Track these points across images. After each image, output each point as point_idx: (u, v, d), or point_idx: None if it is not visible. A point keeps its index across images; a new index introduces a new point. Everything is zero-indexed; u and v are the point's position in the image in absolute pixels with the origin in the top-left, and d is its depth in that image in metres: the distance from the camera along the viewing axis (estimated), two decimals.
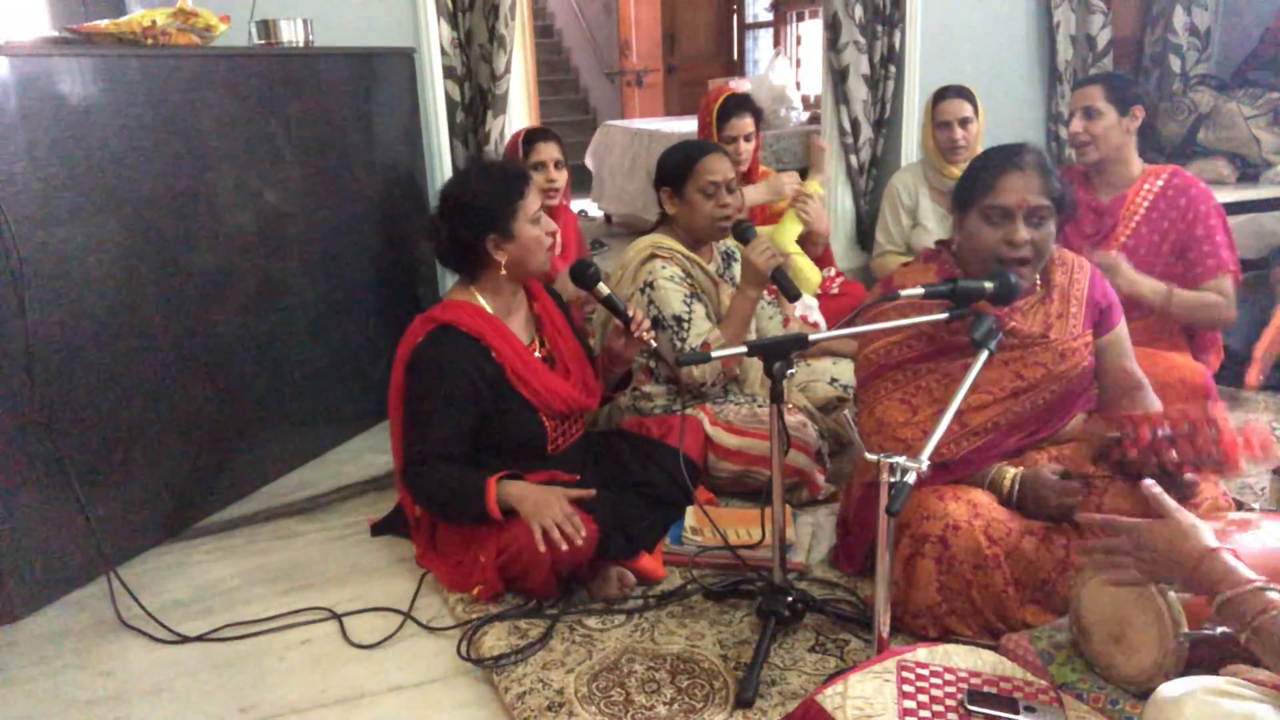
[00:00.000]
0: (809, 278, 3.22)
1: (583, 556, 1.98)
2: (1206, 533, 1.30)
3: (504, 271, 2.11)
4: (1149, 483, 1.43)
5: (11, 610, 2.10)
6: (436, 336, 2.07)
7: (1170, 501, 1.38)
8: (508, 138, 3.28)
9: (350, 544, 2.41)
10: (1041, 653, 1.61)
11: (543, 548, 1.89)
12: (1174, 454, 1.70)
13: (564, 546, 1.89)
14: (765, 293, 2.70)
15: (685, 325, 2.45)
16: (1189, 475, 1.76)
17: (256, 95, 2.60)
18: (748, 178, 3.28)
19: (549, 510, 1.92)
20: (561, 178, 3.08)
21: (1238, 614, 1.19)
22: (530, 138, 3.06)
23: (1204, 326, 2.66)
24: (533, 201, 2.10)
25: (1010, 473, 1.88)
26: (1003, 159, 1.87)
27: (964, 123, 3.14)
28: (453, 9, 3.31)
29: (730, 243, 2.70)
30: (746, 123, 3.15)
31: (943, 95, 3.18)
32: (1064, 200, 1.87)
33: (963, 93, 3.16)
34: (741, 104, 3.15)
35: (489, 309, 2.13)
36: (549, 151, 3.03)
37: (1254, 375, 2.97)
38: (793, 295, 2.37)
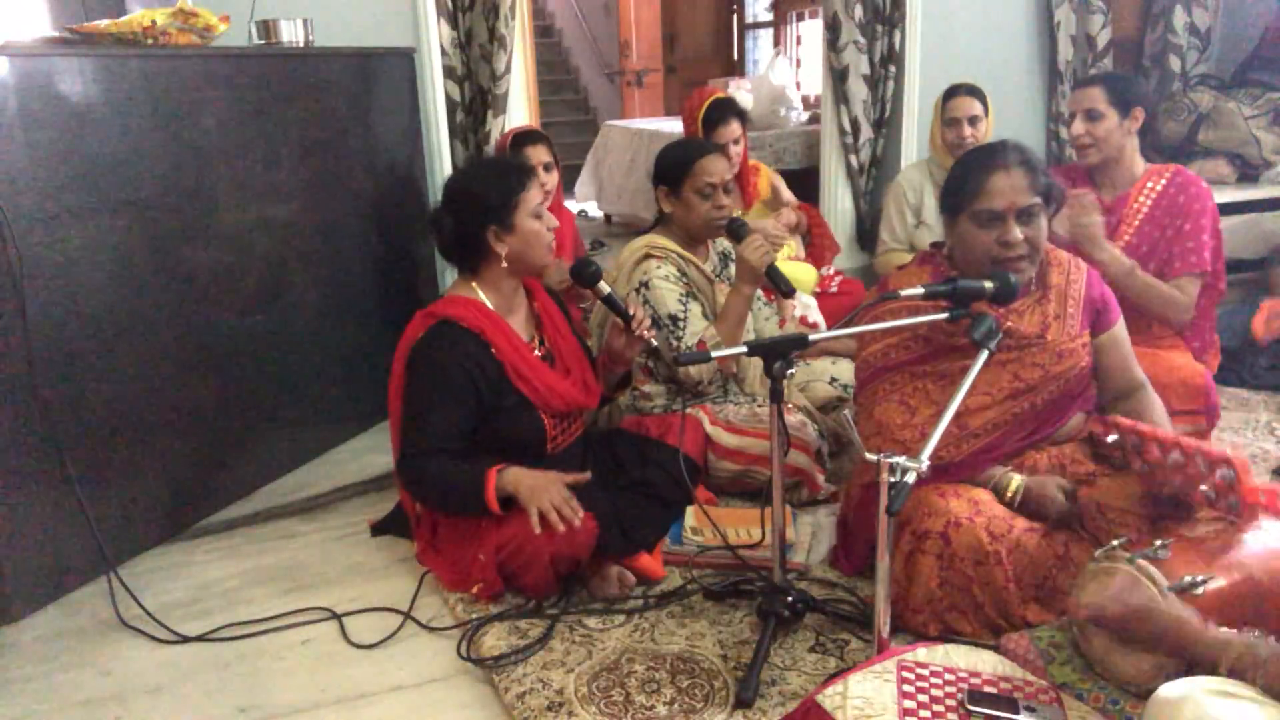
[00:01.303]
0: (800, 278, 3.22)
1: (582, 554, 1.98)
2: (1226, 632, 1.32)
3: (505, 265, 2.11)
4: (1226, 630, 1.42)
5: (11, 610, 2.10)
6: (437, 331, 2.07)
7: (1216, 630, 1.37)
8: None
9: (350, 544, 2.41)
10: (1041, 653, 1.61)
11: (538, 530, 1.88)
12: (1179, 482, 1.69)
13: (560, 528, 1.89)
14: (762, 294, 2.71)
15: (681, 324, 2.45)
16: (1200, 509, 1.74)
17: (256, 95, 2.60)
18: (738, 179, 3.28)
19: (545, 494, 1.92)
20: (551, 180, 3.07)
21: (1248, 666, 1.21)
22: (519, 141, 3.04)
23: (1156, 316, 2.58)
24: (534, 195, 2.10)
25: (1014, 482, 1.87)
26: (987, 161, 1.86)
27: (973, 121, 3.13)
28: (453, 9, 3.31)
29: (727, 243, 2.70)
30: (733, 128, 3.13)
31: (953, 92, 3.18)
32: (1052, 193, 1.87)
33: (974, 91, 3.16)
34: (726, 110, 3.13)
35: (490, 305, 2.13)
36: (538, 155, 3.01)
37: (1260, 325, 2.97)
38: (786, 291, 2.37)
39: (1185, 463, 1.69)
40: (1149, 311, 2.57)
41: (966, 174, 1.87)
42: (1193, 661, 1.34)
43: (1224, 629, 1.32)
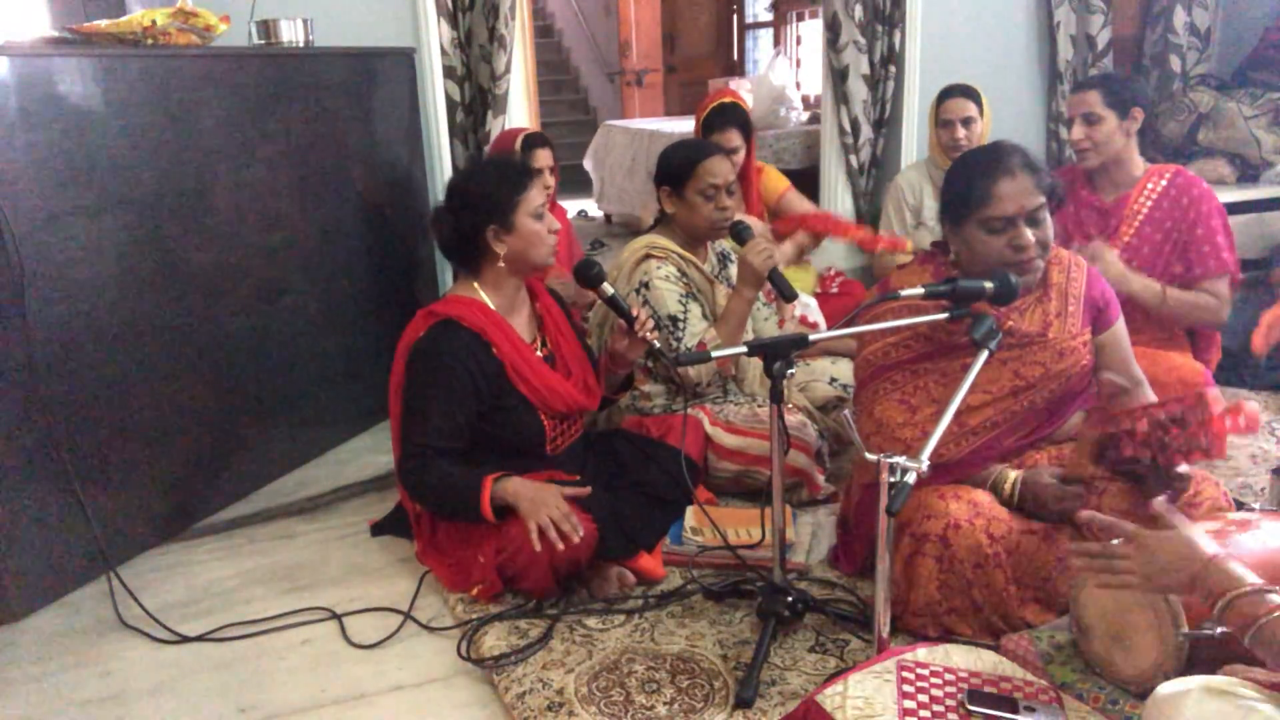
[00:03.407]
0: (800, 278, 3.21)
1: (582, 556, 1.98)
2: (1208, 541, 1.31)
3: (503, 264, 2.11)
4: (1159, 500, 1.43)
5: (11, 610, 2.10)
6: (438, 331, 2.07)
7: (1178, 515, 1.38)
8: None
9: (350, 544, 2.41)
10: (1041, 653, 1.61)
11: (538, 547, 1.89)
12: (1168, 441, 1.70)
13: (559, 546, 1.89)
14: (762, 295, 2.70)
15: (681, 325, 2.45)
16: (1183, 468, 1.76)
17: (256, 95, 2.60)
18: (741, 186, 3.25)
19: (545, 508, 1.92)
20: (553, 182, 3.09)
21: (1239, 616, 1.20)
22: (529, 143, 3.05)
23: (1196, 326, 2.67)
24: (535, 196, 2.10)
25: (1011, 476, 1.88)
26: (990, 167, 1.83)
27: (966, 122, 3.13)
28: (453, 9, 3.31)
29: (726, 243, 2.69)
30: (731, 136, 3.02)
31: (947, 94, 3.18)
32: (1054, 191, 1.87)
33: (968, 92, 3.15)
34: (727, 117, 3.04)
35: (491, 305, 2.13)
36: (545, 159, 3.03)
37: (1260, 340, 2.98)
38: (788, 295, 2.37)
39: (1159, 427, 1.71)
40: (1189, 323, 2.64)
41: (970, 181, 1.84)
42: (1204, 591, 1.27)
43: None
